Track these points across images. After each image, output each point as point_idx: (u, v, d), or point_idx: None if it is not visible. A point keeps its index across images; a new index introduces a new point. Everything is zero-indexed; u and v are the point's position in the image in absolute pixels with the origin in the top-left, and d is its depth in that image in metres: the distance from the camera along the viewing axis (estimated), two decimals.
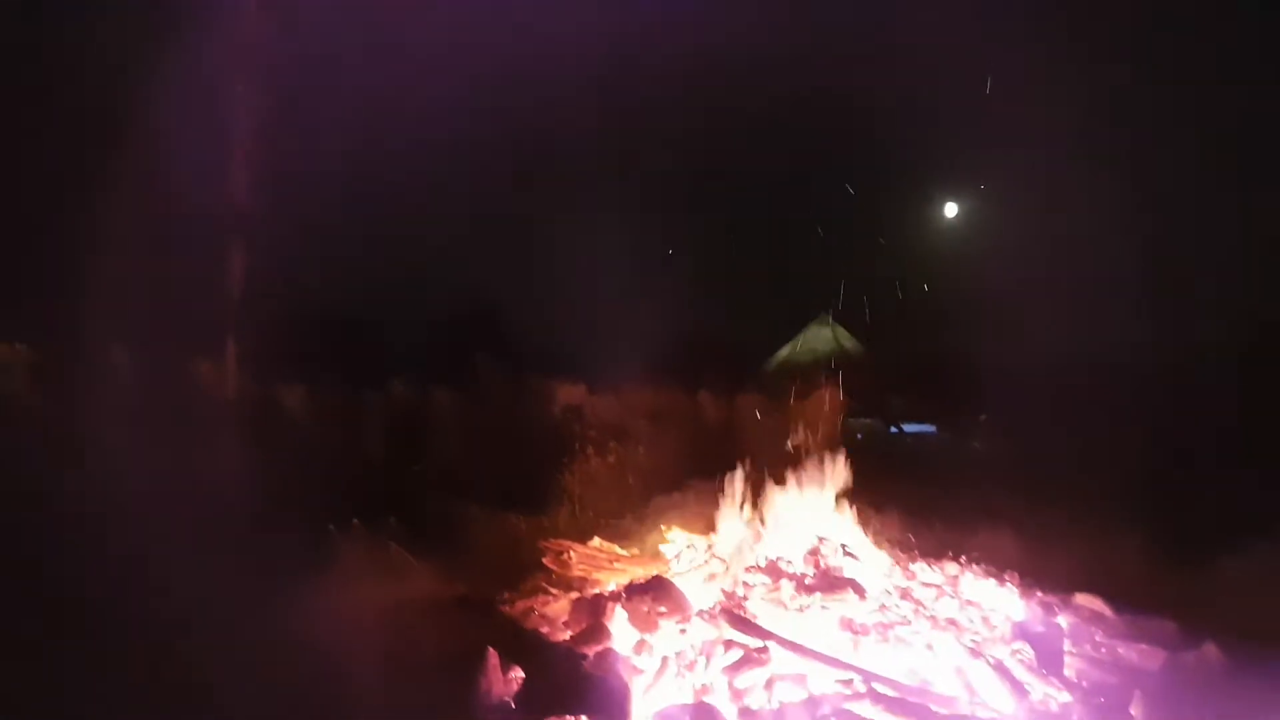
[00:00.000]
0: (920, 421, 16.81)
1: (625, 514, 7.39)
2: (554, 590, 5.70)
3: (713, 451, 8.49)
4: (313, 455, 7.00)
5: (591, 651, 4.28)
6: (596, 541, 6.20)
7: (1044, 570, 6.10)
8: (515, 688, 4.00)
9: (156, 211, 8.42)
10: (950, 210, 17.96)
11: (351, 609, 4.28)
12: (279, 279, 9.12)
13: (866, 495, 6.12)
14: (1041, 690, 4.25)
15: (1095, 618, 5.42)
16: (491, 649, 4.02)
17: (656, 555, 6.22)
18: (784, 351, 18.04)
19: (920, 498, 7.62)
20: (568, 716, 3.78)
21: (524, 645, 4.22)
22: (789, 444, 6.17)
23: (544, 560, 5.85)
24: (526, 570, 5.91)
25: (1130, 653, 4.86)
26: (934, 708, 3.84)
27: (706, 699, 3.97)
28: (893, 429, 16.33)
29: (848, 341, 17.83)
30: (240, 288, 8.06)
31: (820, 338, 17.99)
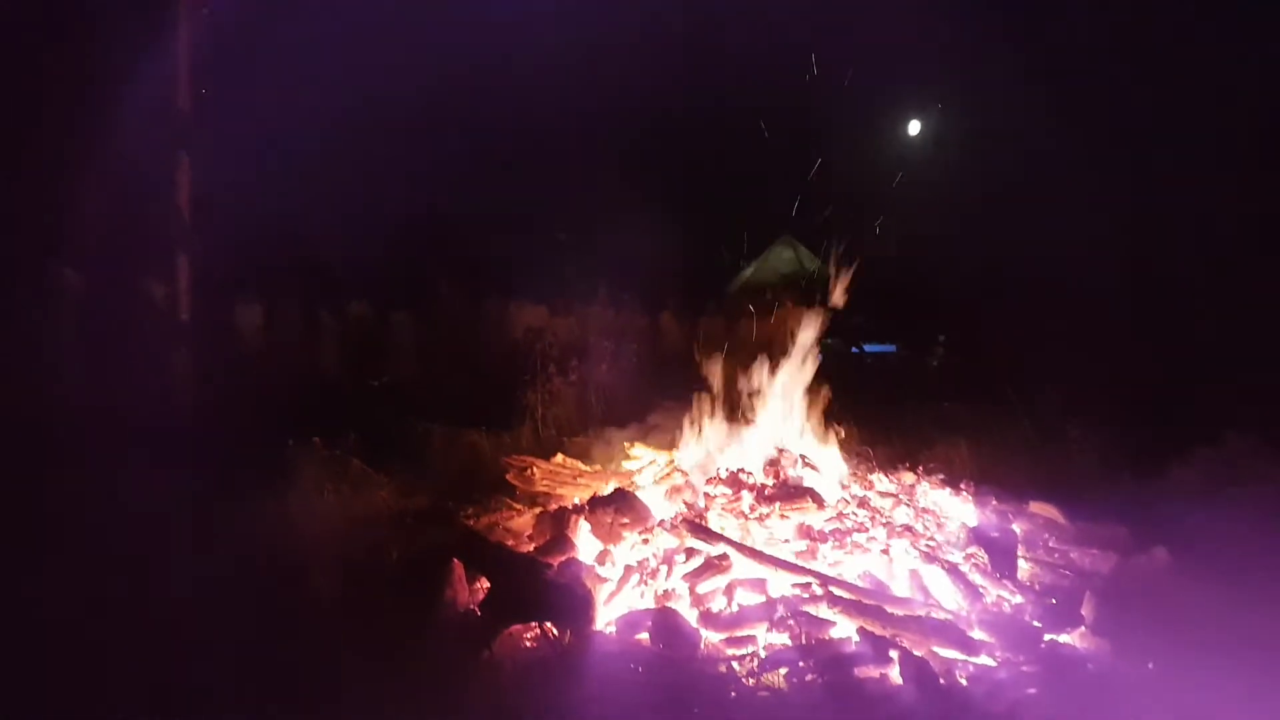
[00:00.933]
0: (881, 341, 17.00)
1: (588, 431, 7.41)
2: (517, 505, 5.75)
3: (675, 370, 8.55)
4: (272, 373, 6.90)
5: (555, 562, 4.32)
6: (560, 458, 6.22)
7: (999, 480, 6.27)
8: (480, 597, 4.05)
9: (106, 128, 8.08)
10: (912, 130, 17.87)
11: (313, 522, 4.27)
12: (233, 197, 8.85)
13: (826, 410, 6.19)
14: (995, 593, 4.39)
15: (1049, 524, 5.59)
16: (456, 560, 4.05)
17: (619, 471, 6.27)
18: (747, 271, 18.01)
19: (879, 412, 7.74)
20: (533, 624, 3.86)
21: (488, 557, 4.24)
22: (750, 362, 6.17)
23: (507, 476, 5.88)
24: (490, 487, 5.95)
25: (1082, 557, 5.03)
26: (889, 609, 3.94)
27: (669, 605, 4.05)
28: (854, 349, 16.49)
29: (810, 262, 17.84)
30: (192, 205, 7.77)
31: (782, 258, 17.98)
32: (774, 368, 6.07)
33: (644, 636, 3.84)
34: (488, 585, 4.10)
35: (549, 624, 3.80)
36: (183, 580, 3.61)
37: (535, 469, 5.86)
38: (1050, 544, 5.28)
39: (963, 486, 5.81)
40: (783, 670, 3.54)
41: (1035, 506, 5.77)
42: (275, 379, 6.78)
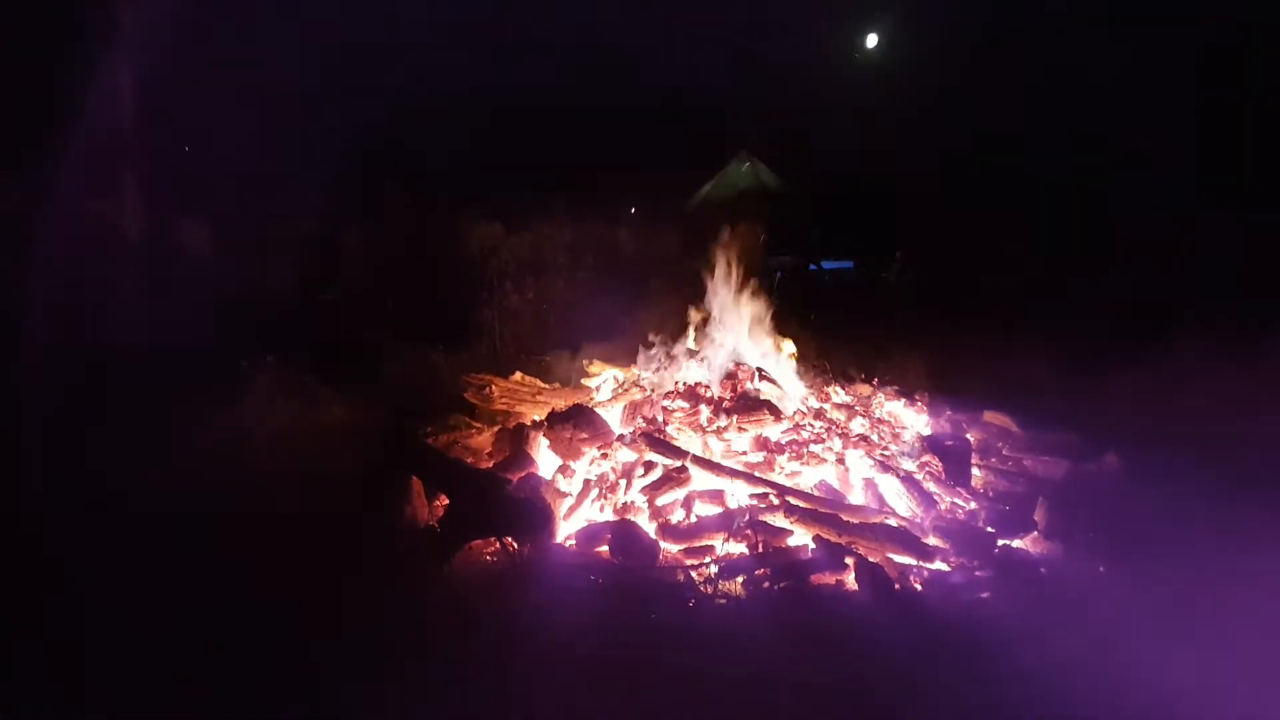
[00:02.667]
0: (838, 258, 17.00)
1: (546, 349, 7.34)
2: (476, 424, 5.70)
3: (633, 287, 8.46)
4: (221, 290, 6.68)
5: (515, 478, 4.30)
6: (518, 376, 6.15)
7: (954, 390, 6.36)
8: (440, 513, 4.03)
9: (49, 42, 7.59)
10: (870, 42, 17.55)
11: (267, 437, 4.18)
12: (175, 108, 8.42)
13: (783, 325, 6.19)
14: (949, 500, 4.49)
15: (1002, 433, 5.70)
16: (415, 477, 4.01)
17: (579, 388, 6.23)
18: (705, 188, 17.77)
19: (835, 327, 7.77)
20: (493, 538, 3.85)
21: (447, 473, 4.20)
22: (706, 279, 6.12)
23: (466, 395, 5.81)
24: (447, 404, 5.88)
25: (1035, 464, 5.16)
26: (845, 517, 4.01)
27: (628, 518, 4.07)
28: (811, 266, 16.48)
29: (768, 178, 17.65)
30: (133, 119, 7.39)
31: (740, 174, 17.74)
32: (730, 283, 6.02)
33: (604, 549, 3.85)
34: (447, 501, 4.07)
35: (509, 538, 3.79)
36: (139, 494, 3.52)
37: (494, 387, 5.80)
38: (1004, 452, 5.39)
39: (917, 397, 5.88)
40: (740, 578, 3.59)
41: (989, 416, 5.88)
42: (225, 296, 6.55)
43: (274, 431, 4.35)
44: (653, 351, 5.94)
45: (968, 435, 5.37)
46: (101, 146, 7.91)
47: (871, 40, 17.52)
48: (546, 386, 6.18)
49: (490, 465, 4.70)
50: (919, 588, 3.65)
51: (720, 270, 6.07)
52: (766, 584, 3.56)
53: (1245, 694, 2.83)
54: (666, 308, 6.39)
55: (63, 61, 7.82)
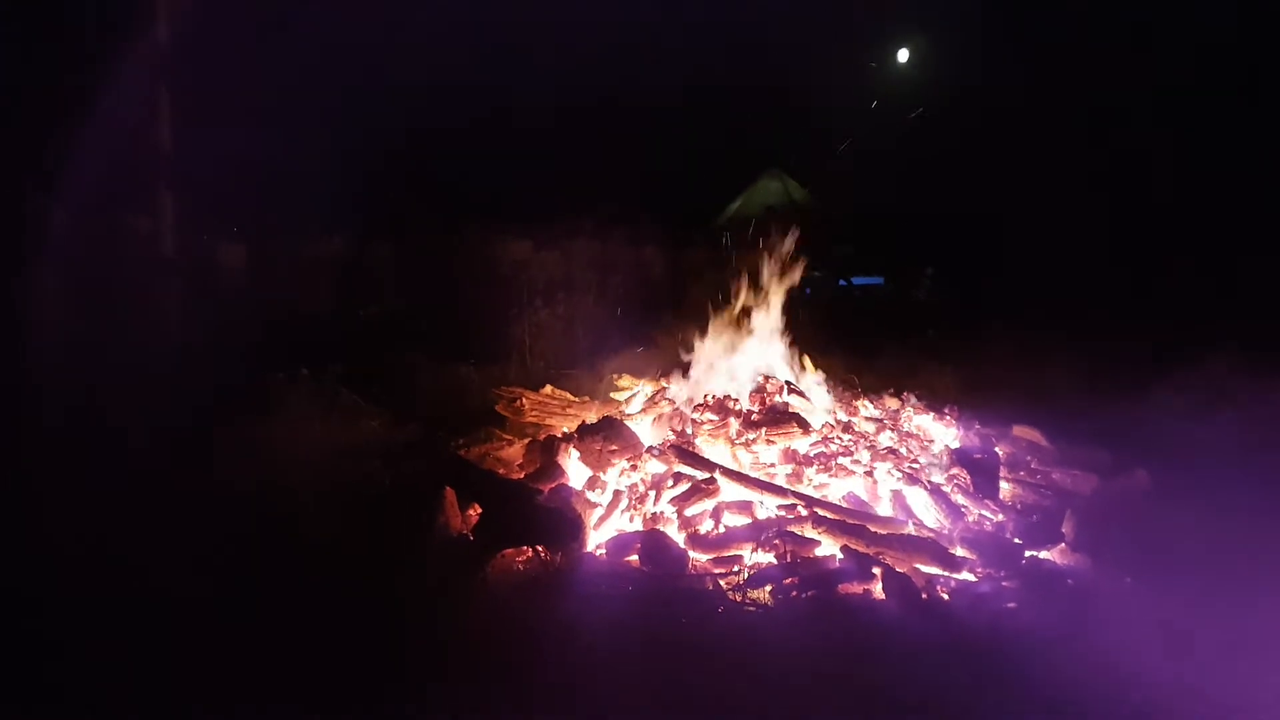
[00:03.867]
0: (868, 275, 17.01)
1: (576, 363, 7.44)
2: (507, 436, 5.80)
3: (663, 302, 8.55)
4: (258, 308, 6.88)
5: (546, 488, 4.39)
6: (548, 389, 6.25)
7: (983, 405, 6.37)
8: (473, 523, 4.12)
9: (90, 65, 7.91)
10: (900, 61, 17.61)
11: (303, 451, 4.31)
12: (209, 126, 8.70)
13: (813, 340, 6.24)
14: (977, 512, 4.50)
15: (1032, 447, 5.70)
16: (448, 487, 4.10)
17: (608, 401, 6.31)
18: (735, 204, 17.88)
19: (865, 341, 7.79)
20: (524, 547, 3.93)
21: (480, 484, 4.29)
22: (738, 293, 6.20)
23: (497, 408, 5.91)
24: (479, 418, 5.98)
25: (1064, 478, 5.14)
26: (873, 528, 4.04)
27: (658, 528, 4.13)
28: (841, 281, 16.49)
29: (798, 194, 17.71)
30: (175, 144, 7.67)
31: (770, 190, 17.82)
32: (760, 299, 6.09)
33: (633, 558, 3.92)
34: (480, 511, 4.16)
35: (540, 547, 3.87)
36: (176, 506, 3.65)
37: (524, 400, 5.90)
38: (1032, 465, 5.39)
39: (946, 411, 5.89)
40: (768, 587, 3.63)
41: (1018, 430, 5.87)
42: (261, 313, 6.75)
43: (311, 444, 4.47)
44: (683, 366, 6.01)
45: (996, 449, 5.37)
46: (137, 163, 8.21)
47: (903, 55, 17.59)
48: (576, 400, 6.26)
49: (521, 476, 4.78)
50: (946, 597, 3.67)
51: (750, 286, 6.15)
52: (794, 593, 3.60)
53: (1251, 702, 2.81)
54: (696, 322, 6.46)
55: (101, 77, 8.13)
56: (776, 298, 6.15)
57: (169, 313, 6.52)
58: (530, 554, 3.89)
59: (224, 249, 8.27)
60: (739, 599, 3.56)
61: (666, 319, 7.67)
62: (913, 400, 6.00)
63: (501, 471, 5.00)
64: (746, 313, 6.13)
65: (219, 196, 8.78)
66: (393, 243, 9.01)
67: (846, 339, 7.67)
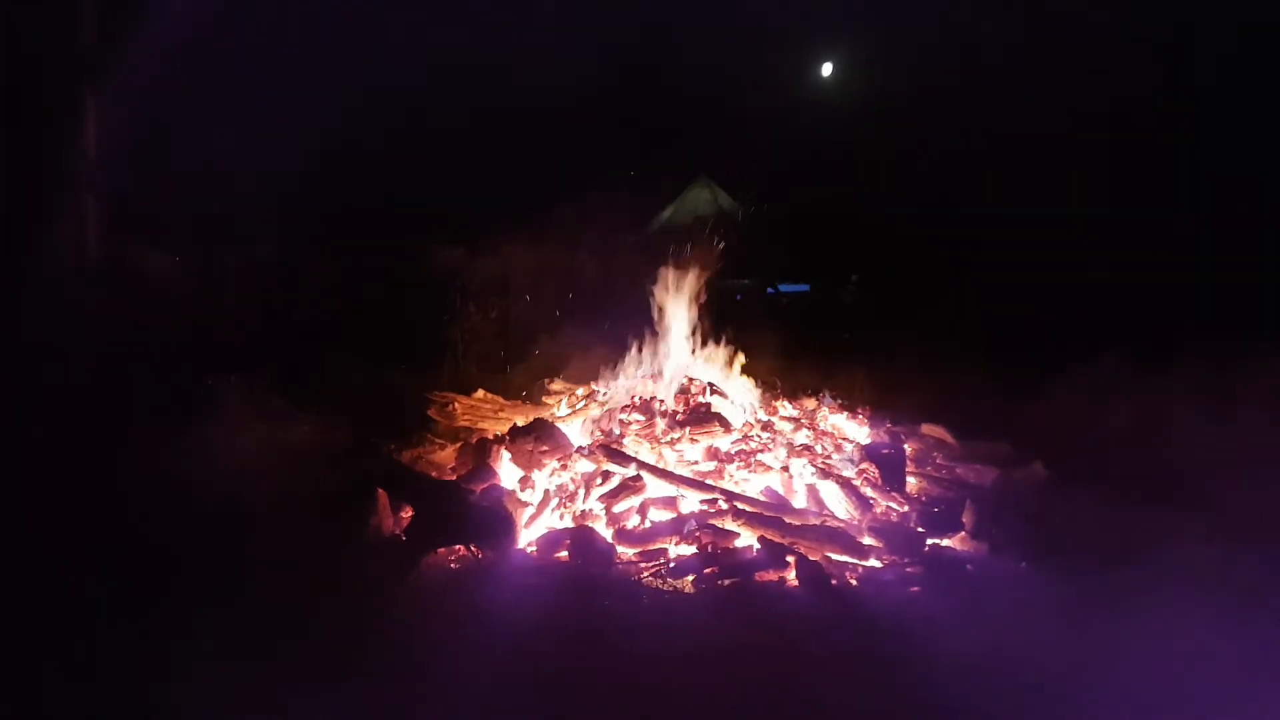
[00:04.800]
0: (795, 282, 17.42)
1: (507, 368, 7.57)
2: (439, 440, 5.91)
3: (593, 308, 8.73)
4: (187, 314, 6.83)
5: (478, 488, 4.53)
6: (480, 393, 6.37)
7: (895, 405, 6.72)
8: (405, 524, 4.24)
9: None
10: (825, 70, 18.11)
11: (236, 456, 4.37)
12: (137, 140, 8.56)
13: (737, 344, 6.50)
14: (884, 504, 4.80)
15: (939, 444, 6.06)
16: (381, 490, 4.21)
17: (540, 404, 6.46)
18: (665, 212, 18.13)
19: (787, 346, 8.08)
20: (457, 546, 4.07)
21: (412, 486, 4.42)
22: (664, 301, 6.43)
23: (429, 412, 6.01)
24: (411, 422, 6.07)
25: (967, 472, 5.50)
26: (788, 520, 4.29)
27: (587, 524, 4.31)
28: (770, 289, 16.87)
29: (727, 203, 18.06)
30: (98, 147, 7.56)
31: (700, 199, 18.13)
32: (687, 304, 6.33)
33: (563, 554, 4.10)
34: (412, 512, 4.28)
35: (473, 545, 4.02)
36: (112, 509, 3.69)
37: (457, 404, 6.02)
38: (938, 460, 5.74)
39: (859, 411, 6.21)
40: (690, 577, 3.85)
41: (926, 428, 6.23)
42: (191, 319, 6.71)
43: (244, 448, 4.52)
44: (612, 369, 6.21)
45: (905, 445, 5.70)
46: (62, 166, 8.05)
47: (827, 68, 18.11)
48: (508, 403, 6.40)
49: (454, 478, 4.91)
50: (854, 583, 3.94)
51: (677, 291, 6.38)
52: (715, 581, 3.82)
53: (1137, 676, 3.10)
54: (625, 328, 6.66)
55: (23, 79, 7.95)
56: (702, 303, 6.41)
57: (97, 318, 6.43)
58: (463, 552, 4.03)
59: (149, 254, 8.15)
60: (663, 586, 3.77)
61: (598, 324, 7.84)
62: (828, 400, 6.31)
63: (434, 474, 5.12)
64: (673, 317, 6.36)
65: (144, 201, 8.65)
66: (323, 248, 8.99)
67: (771, 343, 7.95)
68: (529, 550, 4.17)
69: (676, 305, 6.41)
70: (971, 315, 9.94)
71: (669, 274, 6.50)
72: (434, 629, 3.39)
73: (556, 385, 6.76)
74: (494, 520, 4.11)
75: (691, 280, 6.48)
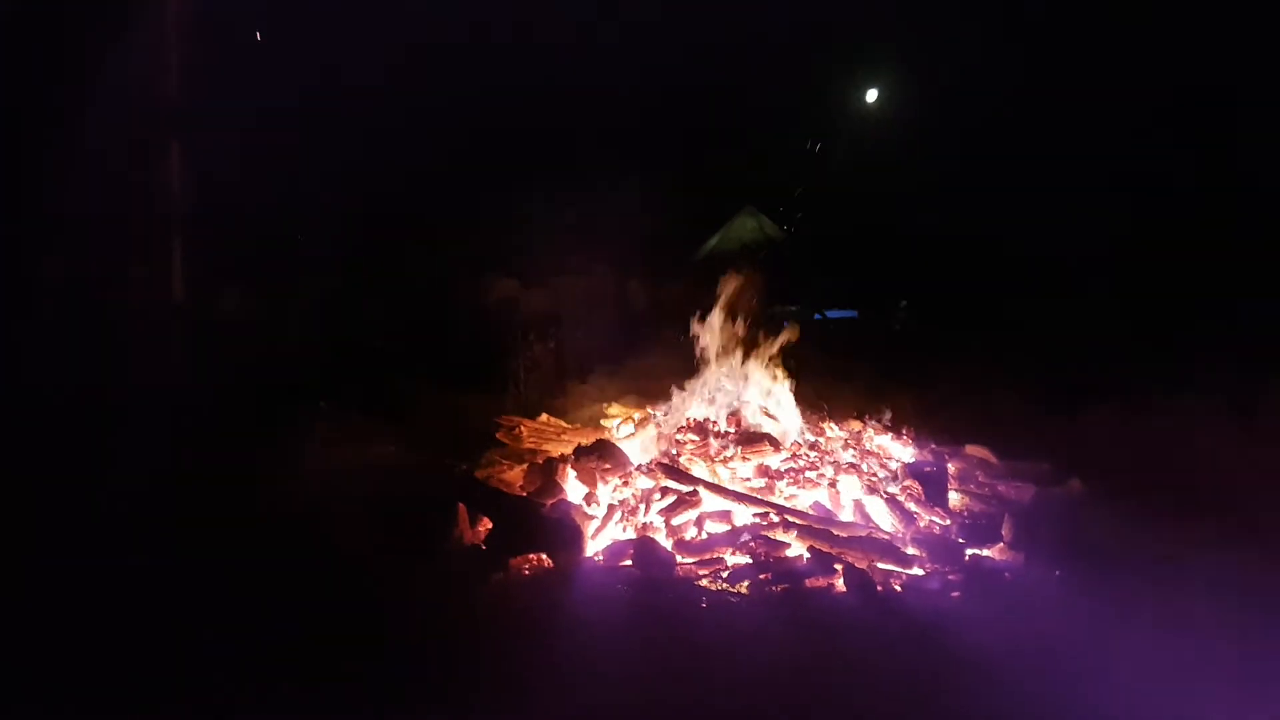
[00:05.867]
0: (843, 308, 17.62)
1: (566, 393, 8.00)
2: (507, 461, 6.33)
3: (646, 335, 9.15)
4: (272, 344, 7.41)
5: (548, 503, 4.93)
6: (544, 417, 6.80)
7: (940, 427, 6.98)
8: (483, 535, 4.65)
9: (90, 116, 8.42)
10: (870, 96, 18.35)
11: (329, 471, 4.84)
12: (213, 182, 9.24)
13: (786, 368, 6.83)
14: (927, 518, 5.09)
15: (982, 464, 6.30)
16: (461, 504, 4.64)
17: (598, 427, 6.87)
18: (711, 241, 18.51)
19: (834, 369, 8.38)
20: (530, 554, 4.47)
21: (488, 500, 4.84)
22: (714, 327, 6.80)
23: (498, 435, 6.45)
24: (480, 444, 6.50)
25: (1008, 489, 5.75)
26: (835, 532, 4.61)
27: (648, 535, 4.68)
28: (816, 315, 17.11)
29: (773, 231, 18.38)
30: (179, 192, 8.22)
31: (745, 227, 18.48)
32: (737, 330, 6.69)
33: (627, 562, 4.47)
34: (489, 524, 4.70)
35: (544, 554, 4.42)
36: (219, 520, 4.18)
37: (523, 428, 6.44)
38: (980, 479, 5.99)
39: (904, 432, 6.49)
40: (745, 582, 4.19)
41: (970, 449, 6.48)
42: (276, 350, 7.28)
43: (333, 465, 5.01)
44: (666, 392, 6.59)
45: (948, 464, 5.97)
46: (142, 215, 8.74)
47: (871, 95, 18.39)
48: (569, 426, 6.81)
49: (525, 494, 5.32)
50: (898, 589, 4.24)
51: (727, 318, 6.75)
52: (768, 587, 4.16)
53: (1170, 681, 3.31)
54: (678, 352, 7.04)
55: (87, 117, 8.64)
56: (752, 329, 6.76)
57: (184, 354, 7.02)
58: (536, 560, 4.43)
59: (227, 290, 8.80)
60: (720, 588, 4.12)
61: (651, 350, 8.25)
62: (873, 422, 6.60)
63: (505, 490, 5.53)
64: (724, 344, 6.73)
65: (219, 238, 9.30)
66: (391, 280, 9.58)
67: (818, 366, 8.25)
68: (596, 559, 4.55)
69: (726, 332, 6.76)
70: (1019, 337, 10.15)
71: (718, 301, 6.87)
72: (513, 626, 3.78)
73: (613, 409, 7.17)
74: (564, 531, 4.50)
75: (739, 307, 6.84)
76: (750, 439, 5.57)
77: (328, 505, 4.41)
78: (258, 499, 4.43)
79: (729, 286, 6.85)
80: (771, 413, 6.10)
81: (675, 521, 4.77)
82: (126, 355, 6.81)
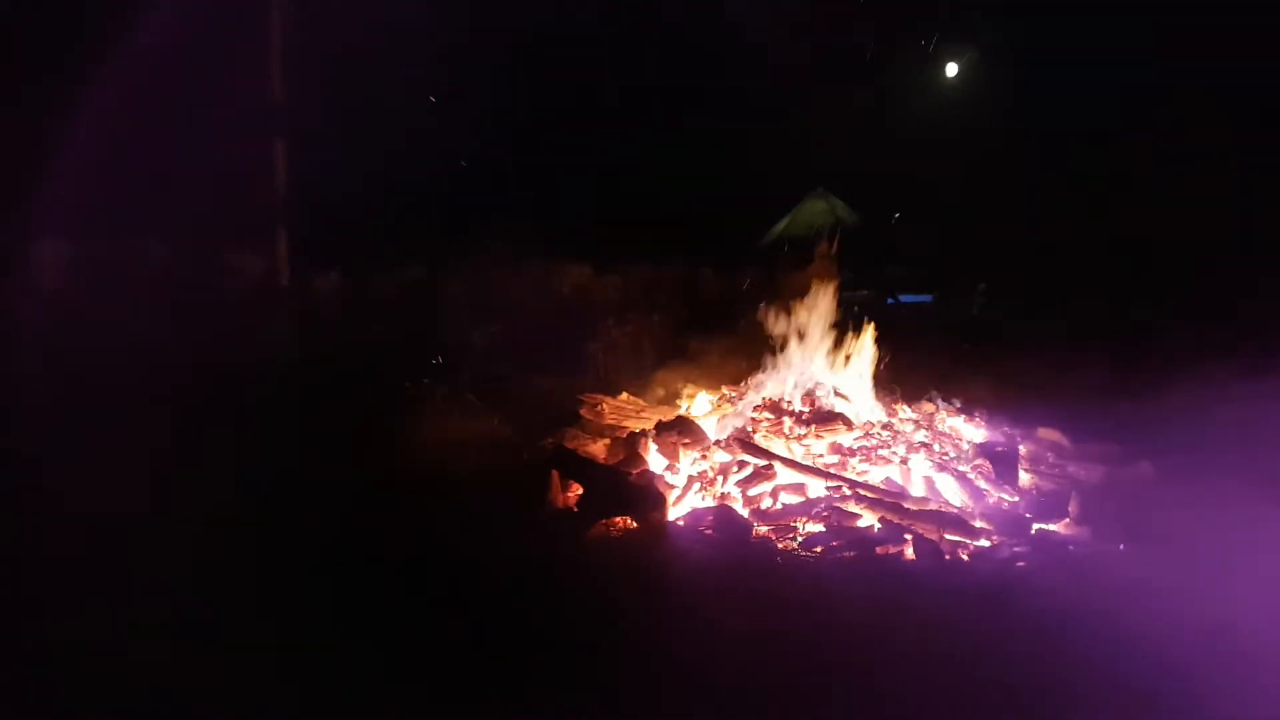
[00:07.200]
0: (917, 292, 17.53)
1: (645, 373, 8.34)
2: (588, 436, 6.71)
3: (717, 317, 9.44)
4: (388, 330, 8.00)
5: (633, 472, 5.29)
6: (624, 396, 7.16)
7: (1013, 410, 7.10)
8: (574, 499, 5.04)
9: (199, 114, 9.09)
10: (950, 71, 18.09)
11: (443, 440, 5.33)
12: (314, 179, 9.88)
13: (859, 350, 7.03)
14: (996, 495, 5.29)
15: (1054, 446, 6.43)
16: (554, 470, 5.05)
17: (675, 405, 7.19)
18: (781, 224, 18.56)
19: (907, 352, 8.53)
20: (617, 518, 4.83)
21: (579, 467, 5.23)
22: (787, 309, 7.01)
23: (580, 411, 6.83)
24: (564, 421, 6.90)
25: (1078, 470, 5.90)
26: (905, 504, 4.86)
27: (726, 504, 5.00)
28: (889, 299, 17.06)
29: (844, 213, 18.34)
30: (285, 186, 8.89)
31: (816, 210, 18.47)
32: (810, 313, 6.91)
33: (706, 529, 4.79)
34: (578, 490, 5.08)
35: (630, 517, 4.78)
36: (344, 485, 4.68)
37: (604, 405, 6.81)
38: (1051, 460, 6.13)
39: (976, 414, 6.65)
40: (818, 548, 4.48)
41: (1042, 432, 6.61)
42: (380, 336, 7.88)
43: (447, 436, 5.51)
44: (741, 372, 6.88)
45: (1020, 446, 6.12)
46: (248, 207, 9.42)
47: (951, 69, 18.15)
48: (647, 404, 7.16)
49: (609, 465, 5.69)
50: (966, 558, 4.47)
51: (799, 302, 6.97)
52: (841, 553, 4.44)
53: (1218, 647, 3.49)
54: (750, 336, 7.31)
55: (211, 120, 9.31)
56: (825, 312, 6.97)
57: (294, 339, 7.66)
58: (623, 522, 4.79)
59: (330, 281, 9.46)
60: (795, 551, 4.43)
61: (724, 333, 8.53)
62: (945, 404, 6.78)
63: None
64: (798, 325, 6.96)
65: (320, 232, 9.95)
66: (478, 273, 10.10)
67: (890, 348, 8.42)
68: (678, 523, 4.88)
69: (800, 315, 6.98)
70: (1101, 321, 10.13)
71: (791, 285, 7.09)
72: (605, 582, 4.14)
73: (689, 389, 7.48)
74: (649, 496, 4.85)
75: (814, 290, 7.05)
76: (824, 417, 5.82)
77: (445, 471, 4.88)
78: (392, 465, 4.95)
79: (804, 272, 7.07)
80: (844, 393, 6.33)
81: (751, 492, 5.07)
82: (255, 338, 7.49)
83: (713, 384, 7.43)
